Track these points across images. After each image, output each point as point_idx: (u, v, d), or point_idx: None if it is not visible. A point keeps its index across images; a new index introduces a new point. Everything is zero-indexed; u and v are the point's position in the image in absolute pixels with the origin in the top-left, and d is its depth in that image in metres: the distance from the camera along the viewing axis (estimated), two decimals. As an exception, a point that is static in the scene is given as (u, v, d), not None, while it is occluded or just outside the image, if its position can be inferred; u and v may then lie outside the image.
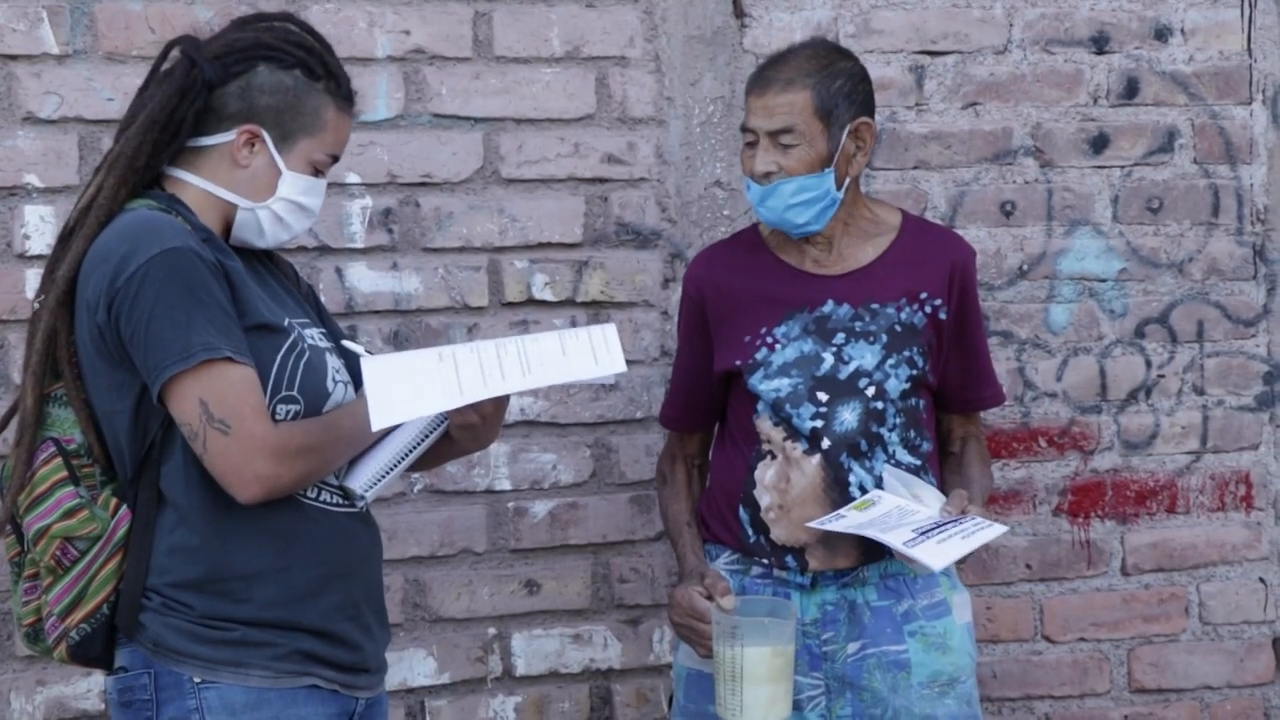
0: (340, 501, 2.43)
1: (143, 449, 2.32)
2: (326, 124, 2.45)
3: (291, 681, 2.34)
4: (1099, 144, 3.62)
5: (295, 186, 2.44)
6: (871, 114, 2.86)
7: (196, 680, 2.29)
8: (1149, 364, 3.66)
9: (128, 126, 2.41)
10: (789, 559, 2.85)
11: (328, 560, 2.38)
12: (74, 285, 2.33)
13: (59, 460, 2.32)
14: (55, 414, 2.36)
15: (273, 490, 2.29)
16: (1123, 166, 3.63)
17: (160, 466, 2.32)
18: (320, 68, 2.45)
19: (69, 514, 2.30)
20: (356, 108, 2.54)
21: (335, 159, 2.50)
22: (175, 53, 2.44)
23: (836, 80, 2.80)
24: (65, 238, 2.39)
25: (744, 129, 2.85)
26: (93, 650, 2.34)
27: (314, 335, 2.46)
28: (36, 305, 2.39)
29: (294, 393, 2.34)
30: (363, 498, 2.43)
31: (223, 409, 2.24)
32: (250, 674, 2.31)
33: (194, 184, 2.42)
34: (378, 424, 2.26)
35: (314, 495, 2.39)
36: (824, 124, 2.79)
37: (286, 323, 2.40)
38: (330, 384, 2.41)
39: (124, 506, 2.32)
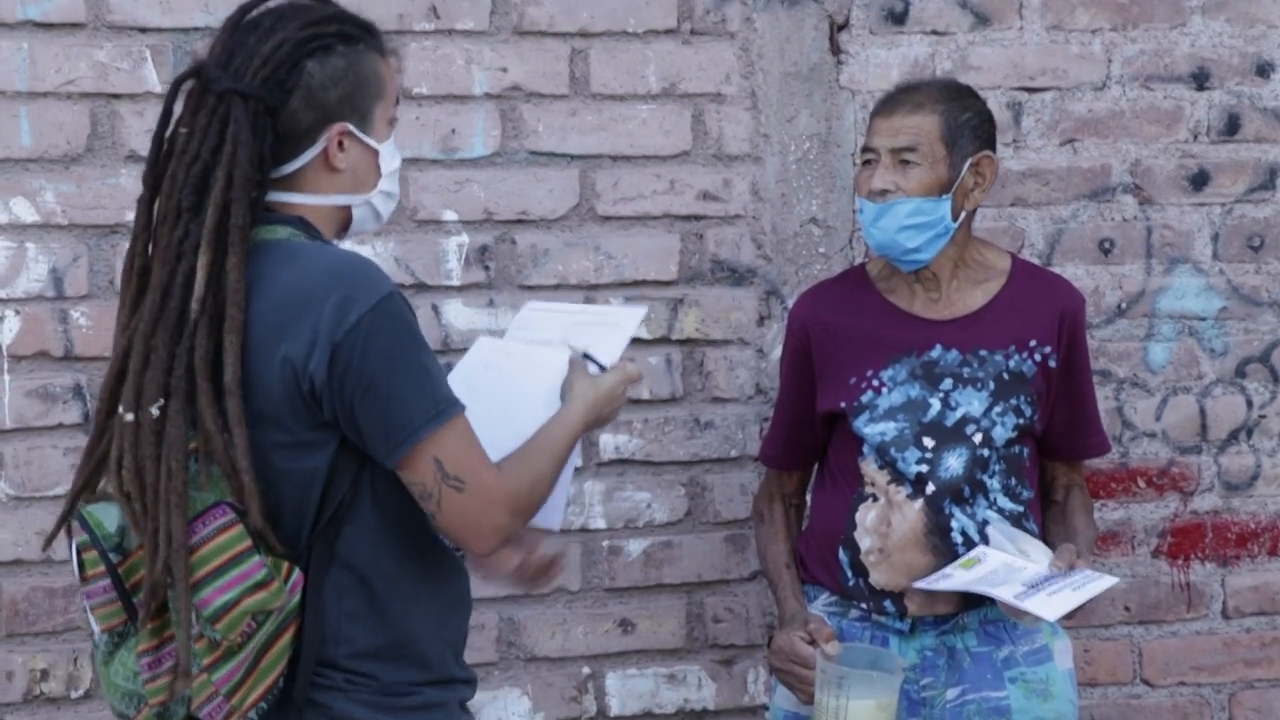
0: None
1: (329, 510, 2.15)
2: (384, 80, 2.30)
3: None
4: (1199, 181, 3.57)
5: (389, 154, 2.32)
6: (994, 150, 2.85)
7: None
8: (1250, 404, 3.61)
9: (195, 180, 2.18)
10: (887, 603, 2.82)
11: (468, 607, 2.36)
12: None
13: (241, 527, 2.09)
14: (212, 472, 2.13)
15: (509, 538, 2.24)
16: (1223, 204, 3.58)
17: (342, 528, 2.16)
18: (353, 28, 2.28)
19: (259, 586, 2.08)
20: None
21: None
22: (189, 85, 2.20)
23: (965, 113, 2.82)
24: (192, 331, 2.12)
25: (864, 149, 2.85)
26: None
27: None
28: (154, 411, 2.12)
29: None
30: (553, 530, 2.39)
31: (455, 464, 2.13)
32: None
33: (304, 202, 2.25)
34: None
35: (455, 545, 2.33)
36: (947, 150, 2.79)
37: None
38: None
39: (296, 571, 2.12)
